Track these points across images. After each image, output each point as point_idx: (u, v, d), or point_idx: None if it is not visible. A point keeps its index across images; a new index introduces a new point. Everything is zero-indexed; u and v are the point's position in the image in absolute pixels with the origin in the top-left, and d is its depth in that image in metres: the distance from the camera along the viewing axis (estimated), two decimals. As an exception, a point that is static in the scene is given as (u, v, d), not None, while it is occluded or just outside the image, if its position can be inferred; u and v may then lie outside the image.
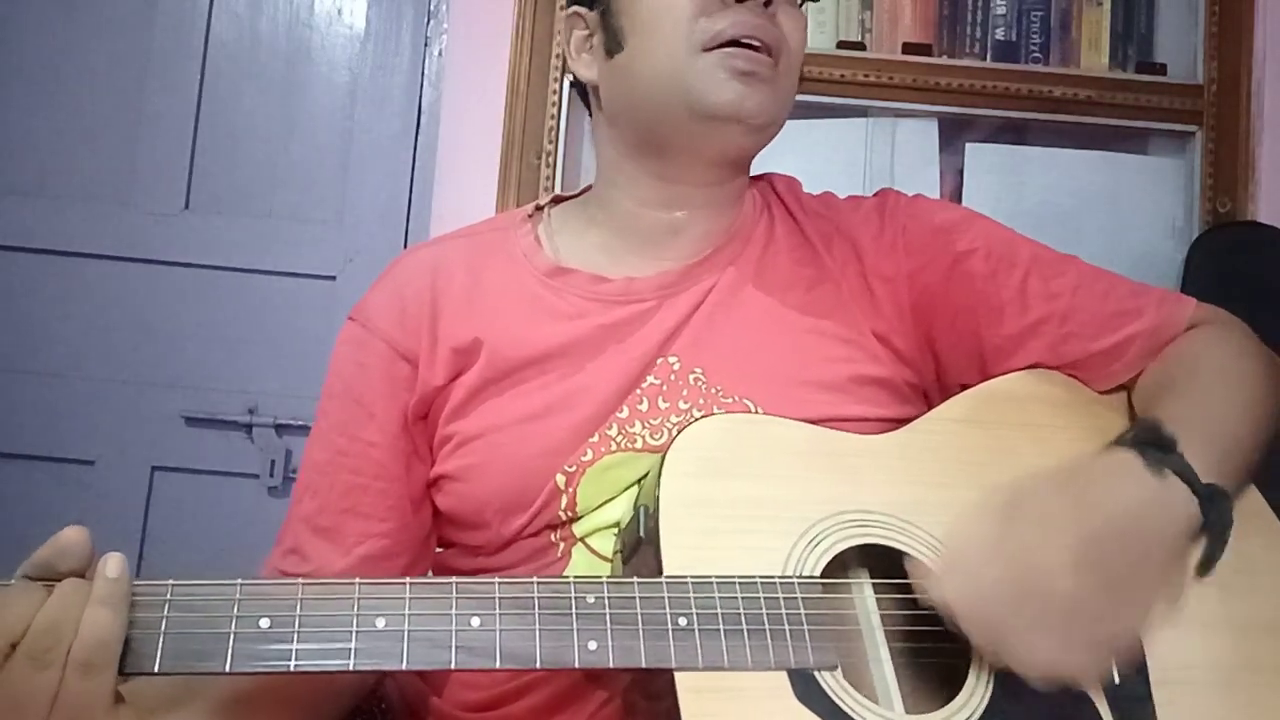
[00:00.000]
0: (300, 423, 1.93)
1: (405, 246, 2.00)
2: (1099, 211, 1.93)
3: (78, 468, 1.95)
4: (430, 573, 1.00)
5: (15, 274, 1.98)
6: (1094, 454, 0.82)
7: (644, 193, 0.99)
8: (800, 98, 1.84)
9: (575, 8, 1.01)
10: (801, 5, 0.98)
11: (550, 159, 1.86)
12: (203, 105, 2.03)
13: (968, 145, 1.95)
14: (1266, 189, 1.87)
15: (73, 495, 1.94)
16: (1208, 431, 0.83)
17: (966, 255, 0.97)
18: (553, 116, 1.87)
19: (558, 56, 1.86)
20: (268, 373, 1.98)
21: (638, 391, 0.92)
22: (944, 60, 1.94)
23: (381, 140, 2.03)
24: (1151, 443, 0.80)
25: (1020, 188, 1.93)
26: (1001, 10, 1.96)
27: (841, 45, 1.93)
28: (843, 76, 1.90)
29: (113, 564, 0.67)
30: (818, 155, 1.92)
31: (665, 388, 0.92)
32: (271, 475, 1.96)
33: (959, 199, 1.93)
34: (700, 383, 0.92)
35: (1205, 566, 0.79)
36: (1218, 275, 1.83)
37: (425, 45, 2.05)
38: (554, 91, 1.87)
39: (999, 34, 1.96)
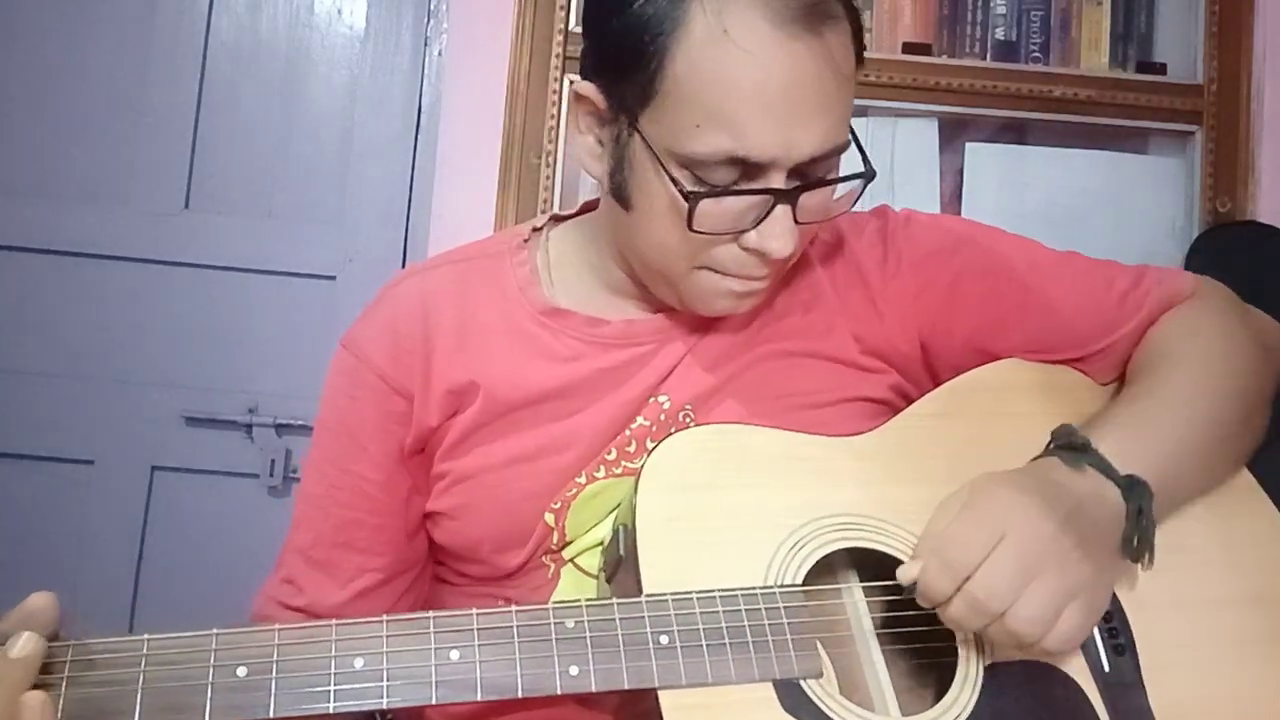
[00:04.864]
0: (300, 422, 1.93)
1: (405, 246, 2.00)
2: (1099, 211, 1.92)
3: (78, 468, 1.95)
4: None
5: (15, 274, 1.98)
6: (1022, 465, 0.83)
7: (637, 275, 0.95)
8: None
9: (581, 86, 0.86)
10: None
11: (550, 159, 1.85)
12: (203, 105, 2.02)
13: (968, 145, 1.94)
14: (1266, 189, 1.86)
15: (73, 495, 1.95)
16: (1132, 426, 0.85)
17: (961, 276, 0.96)
18: (553, 116, 1.86)
19: (558, 56, 1.86)
20: (268, 373, 1.98)
21: (627, 434, 0.91)
22: (944, 60, 1.93)
23: (381, 140, 2.03)
24: (1066, 446, 0.82)
25: (1020, 188, 1.92)
26: (1001, 10, 1.95)
27: (841, 45, 1.92)
28: (842, 76, 1.89)
29: (19, 645, 0.66)
30: (817, 155, 1.91)
31: (654, 429, 0.91)
32: (271, 475, 1.96)
33: (959, 199, 1.93)
34: (689, 420, 0.92)
35: (1127, 548, 0.79)
36: (1218, 275, 1.81)
37: (425, 45, 2.04)
38: (554, 91, 1.86)
39: (999, 34, 1.95)
